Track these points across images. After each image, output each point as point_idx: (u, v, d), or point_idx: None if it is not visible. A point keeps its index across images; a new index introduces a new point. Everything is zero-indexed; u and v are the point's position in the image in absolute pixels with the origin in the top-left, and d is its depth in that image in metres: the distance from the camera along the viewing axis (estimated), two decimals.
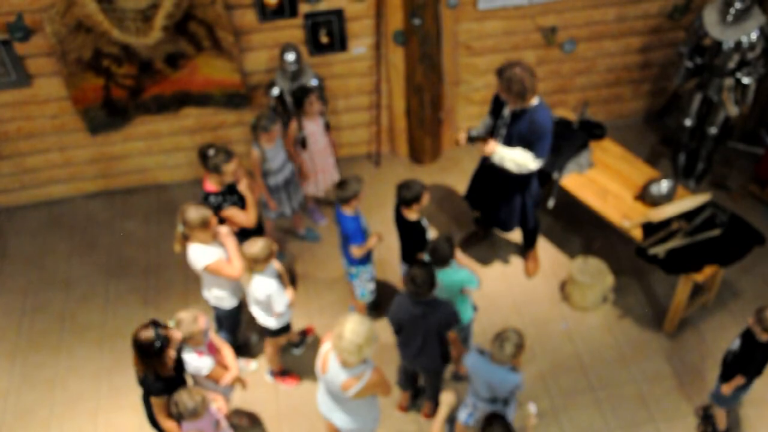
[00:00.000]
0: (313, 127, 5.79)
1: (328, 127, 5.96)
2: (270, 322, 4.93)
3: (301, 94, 5.68)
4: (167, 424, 4.25)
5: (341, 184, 4.92)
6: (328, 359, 4.07)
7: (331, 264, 6.31)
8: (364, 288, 5.44)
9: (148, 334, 3.95)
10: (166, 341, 3.99)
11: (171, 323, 4.21)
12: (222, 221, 5.08)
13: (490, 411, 4.60)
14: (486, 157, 5.45)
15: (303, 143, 5.78)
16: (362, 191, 4.93)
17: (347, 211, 4.99)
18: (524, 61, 5.02)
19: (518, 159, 5.15)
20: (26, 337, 5.92)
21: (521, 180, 5.43)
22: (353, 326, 3.81)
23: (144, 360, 4.02)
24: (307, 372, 5.46)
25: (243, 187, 5.16)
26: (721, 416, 4.98)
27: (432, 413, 5.23)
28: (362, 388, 3.98)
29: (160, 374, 4.07)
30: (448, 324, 4.49)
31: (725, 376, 4.69)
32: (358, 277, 5.36)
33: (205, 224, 4.61)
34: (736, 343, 4.60)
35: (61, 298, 6.18)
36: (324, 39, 6.32)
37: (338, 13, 6.18)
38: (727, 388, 4.64)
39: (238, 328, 5.44)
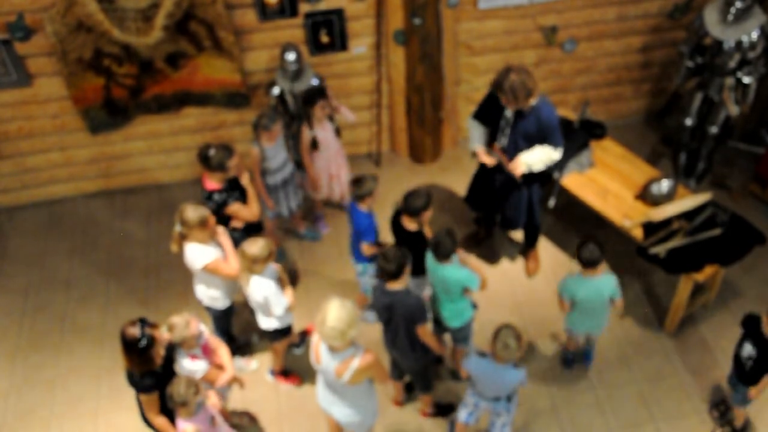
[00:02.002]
0: (321, 133, 5.78)
1: (338, 132, 5.95)
2: (270, 324, 4.93)
3: (308, 99, 5.63)
4: (158, 420, 4.26)
5: (357, 181, 4.96)
6: (319, 349, 4.09)
7: (332, 264, 6.31)
8: (368, 284, 5.47)
9: (134, 332, 3.99)
10: (151, 341, 4.02)
11: (164, 329, 4.22)
12: (226, 218, 5.08)
13: (491, 409, 4.62)
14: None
15: (314, 144, 5.77)
16: (377, 190, 4.96)
17: (362, 207, 5.01)
18: (514, 64, 5.00)
19: (543, 158, 5.18)
20: (27, 337, 5.92)
21: (527, 176, 5.43)
22: (335, 312, 3.85)
23: (129, 356, 4.05)
24: (307, 372, 5.46)
25: (245, 180, 5.17)
26: (740, 414, 5.00)
27: (430, 411, 5.23)
28: (356, 370, 3.98)
29: (144, 371, 4.08)
30: (413, 318, 4.42)
31: (748, 380, 4.66)
32: (365, 273, 5.39)
33: (203, 224, 4.61)
34: (747, 349, 4.58)
35: (61, 298, 6.18)
36: (324, 38, 6.32)
37: (338, 13, 6.18)
38: (755, 392, 4.63)
39: (230, 329, 5.43)
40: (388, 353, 4.94)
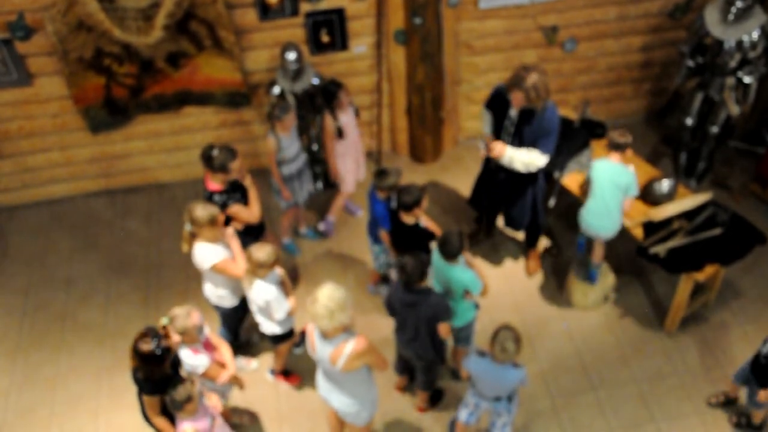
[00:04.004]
0: (345, 119, 5.87)
1: (357, 113, 6.06)
2: (272, 328, 4.93)
3: (330, 91, 5.75)
4: (159, 421, 4.27)
5: (381, 173, 5.07)
6: (314, 337, 4.11)
7: (333, 263, 6.31)
8: (382, 264, 5.63)
9: (148, 346, 4.00)
10: (166, 351, 4.04)
11: (165, 320, 4.22)
12: (227, 219, 5.09)
13: (492, 409, 4.62)
14: (490, 159, 5.47)
15: (340, 133, 5.83)
16: (399, 182, 5.06)
17: (380, 196, 5.12)
18: (534, 64, 5.00)
19: (526, 159, 5.18)
20: (27, 336, 5.92)
21: (530, 176, 5.44)
22: (328, 292, 3.89)
23: (147, 367, 4.08)
24: (308, 372, 5.46)
25: (248, 181, 5.18)
26: (758, 415, 4.98)
27: (426, 407, 5.25)
28: (349, 356, 3.99)
29: (159, 377, 4.10)
30: (437, 316, 4.50)
31: (761, 378, 4.65)
32: (381, 254, 5.53)
33: (212, 222, 4.62)
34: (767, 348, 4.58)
35: (62, 298, 6.19)
36: (325, 38, 6.32)
37: (339, 12, 6.18)
38: (765, 395, 4.62)
39: (240, 327, 5.45)
40: (398, 351, 4.99)
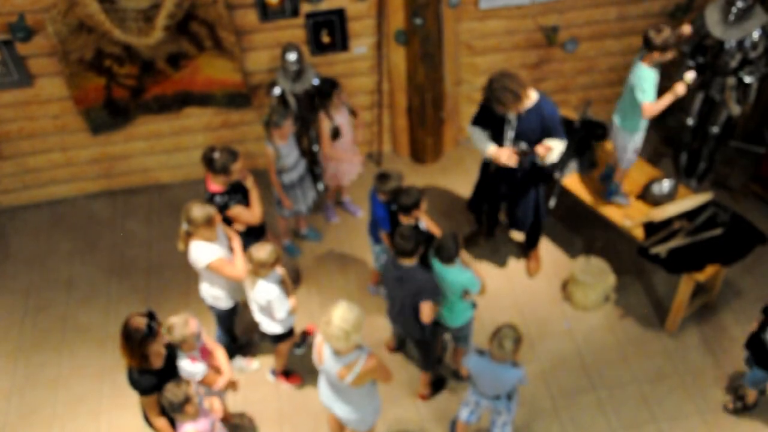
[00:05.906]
0: (340, 119, 5.87)
1: (352, 113, 6.05)
2: (272, 327, 4.94)
3: (324, 91, 5.76)
4: (159, 423, 4.27)
5: (382, 176, 5.06)
6: (322, 350, 4.10)
7: (333, 263, 6.32)
8: (383, 264, 5.58)
9: (140, 321, 3.98)
10: (153, 333, 4.02)
11: (163, 331, 4.22)
12: (228, 221, 5.09)
13: (492, 407, 4.63)
14: (489, 162, 5.44)
15: (336, 133, 5.83)
16: (401, 187, 5.06)
17: (381, 198, 5.13)
18: (496, 71, 4.98)
19: (559, 148, 5.17)
20: (29, 337, 5.93)
21: (534, 175, 5.44)
22: (342, 313, 3.86)
23: (126, 346, 4.03)
24: (309, 372, 5.47)
25: (250, 183, 5.18)
26: (752, 393, 5.04)
27: (427, 393, 5.28)
28: (358, 375, 4.00)
29: (142, 367, 4.08)
30: (420, 293, 4.50)
31: (759, 361, 4.67)
32: (382, 253, 5.54)
33: (209, 222, 4.62)
34: None
35: (63, 298, 6.19)
36: (325, 38, 6.32)
37: (339, 13, 6.17)
38: None
39: (233, 328, 5.44)
40: (391, 325, 5.00)
